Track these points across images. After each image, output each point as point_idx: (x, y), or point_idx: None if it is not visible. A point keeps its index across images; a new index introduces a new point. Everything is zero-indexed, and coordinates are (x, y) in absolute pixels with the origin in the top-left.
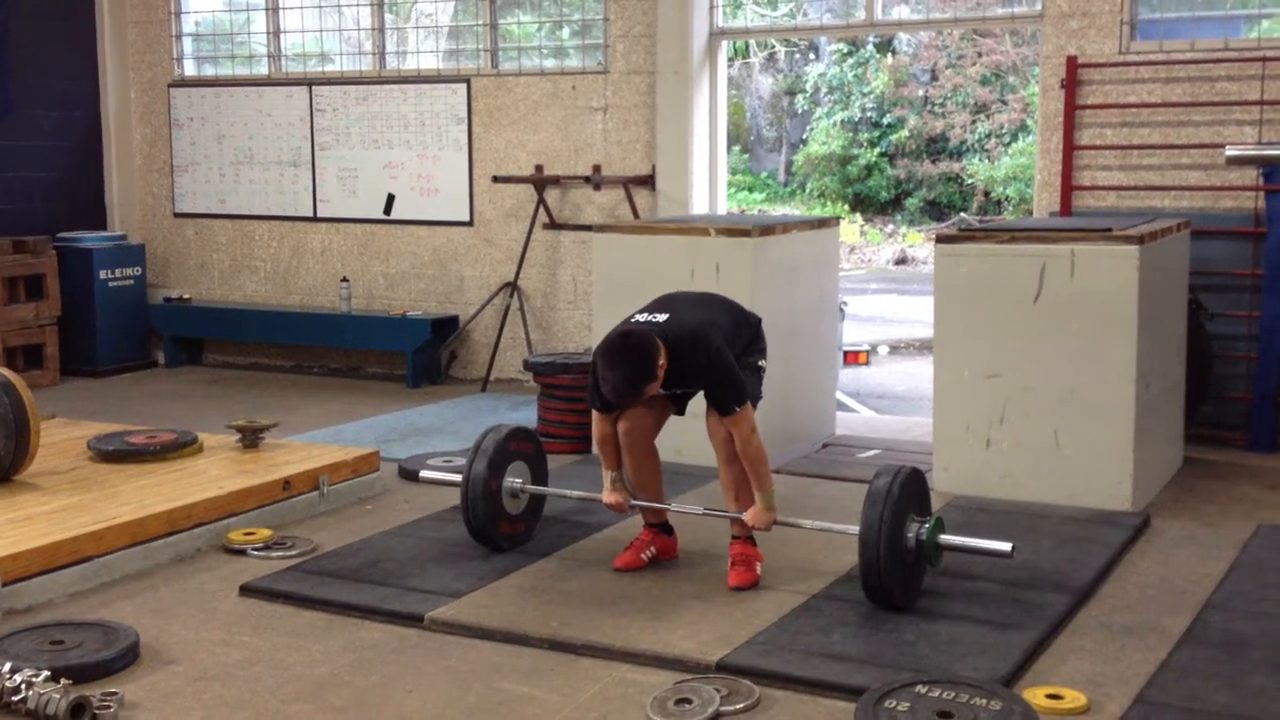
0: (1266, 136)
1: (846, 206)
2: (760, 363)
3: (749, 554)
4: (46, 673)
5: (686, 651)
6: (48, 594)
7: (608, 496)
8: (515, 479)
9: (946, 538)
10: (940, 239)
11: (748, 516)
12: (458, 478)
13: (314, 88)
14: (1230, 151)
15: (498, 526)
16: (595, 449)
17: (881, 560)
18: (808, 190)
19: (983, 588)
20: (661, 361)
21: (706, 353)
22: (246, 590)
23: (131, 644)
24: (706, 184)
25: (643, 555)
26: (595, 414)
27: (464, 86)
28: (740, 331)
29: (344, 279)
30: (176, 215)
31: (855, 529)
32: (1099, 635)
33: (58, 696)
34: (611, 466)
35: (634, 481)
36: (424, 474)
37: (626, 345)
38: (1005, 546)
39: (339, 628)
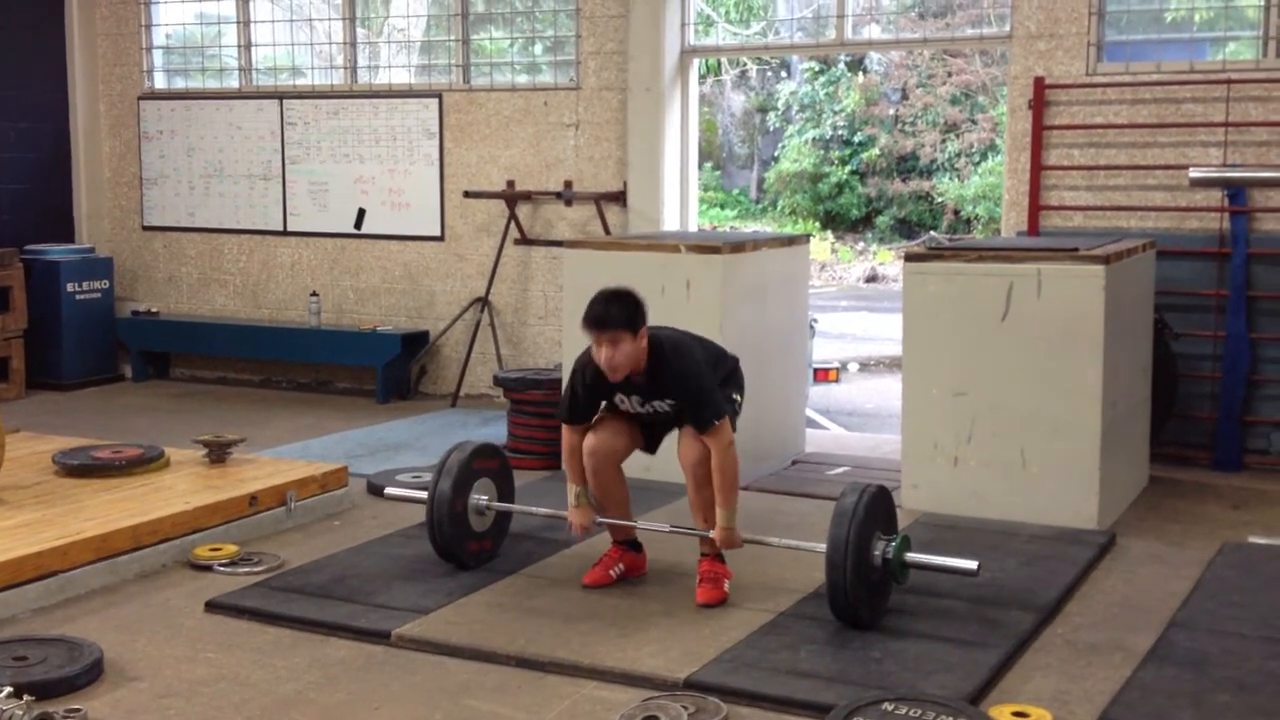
0: (1231, 158)
1: (818, 224)
2: (735, 396)
3: (718, 571)
4: (9, 689)
5: (654, 669)
6: (11, 609)
7: (573, 515)
8: (481, 496)
9: (913, 556)
10: (908, 257)
11: (715, 537)
12: (423, 495)
13: (285, 101)
14: (1194, 173)
15: (464, 545)
16: (564, 464)
17: (848, 579)
18: (779, 207)
19: (949, 605)
20: (643, 332)
21: (685, 359)
22: (212, 606)
23: (95, 660)
24: (678, 200)
25: (611, 572)
26: (564, 427)
27: (436, 101)
28: (716, 366)
29: (314, 293)
30: (145, 228)
31: (822, 547)
32: (1064, 653)
33: (20, 713)
34: (577, 480)
35: (600, 502)
36: (389, 491)
37: (619, 290)
38: (971, 565)
39: (305, 644)
